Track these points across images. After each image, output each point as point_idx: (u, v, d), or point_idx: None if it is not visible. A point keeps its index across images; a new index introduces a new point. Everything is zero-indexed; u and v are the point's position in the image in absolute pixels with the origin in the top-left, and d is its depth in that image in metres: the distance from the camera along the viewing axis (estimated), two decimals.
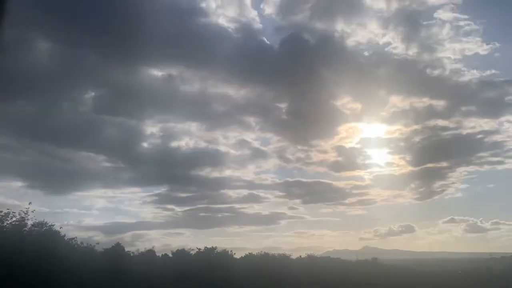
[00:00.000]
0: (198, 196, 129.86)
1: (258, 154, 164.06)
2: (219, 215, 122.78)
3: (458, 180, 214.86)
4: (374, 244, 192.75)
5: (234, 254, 48.45)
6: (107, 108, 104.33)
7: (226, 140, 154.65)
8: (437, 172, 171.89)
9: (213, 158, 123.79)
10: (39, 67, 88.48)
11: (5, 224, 24.04)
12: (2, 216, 23.90)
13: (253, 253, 51.45)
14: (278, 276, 42.03)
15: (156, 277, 35.67)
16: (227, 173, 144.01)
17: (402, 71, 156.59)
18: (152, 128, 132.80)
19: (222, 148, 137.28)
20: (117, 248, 37.22)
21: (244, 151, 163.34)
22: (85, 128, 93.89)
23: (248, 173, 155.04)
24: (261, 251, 51.63)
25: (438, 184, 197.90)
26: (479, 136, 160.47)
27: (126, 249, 38.83)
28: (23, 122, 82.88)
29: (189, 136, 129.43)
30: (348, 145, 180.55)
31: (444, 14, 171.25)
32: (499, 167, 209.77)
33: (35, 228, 26.18)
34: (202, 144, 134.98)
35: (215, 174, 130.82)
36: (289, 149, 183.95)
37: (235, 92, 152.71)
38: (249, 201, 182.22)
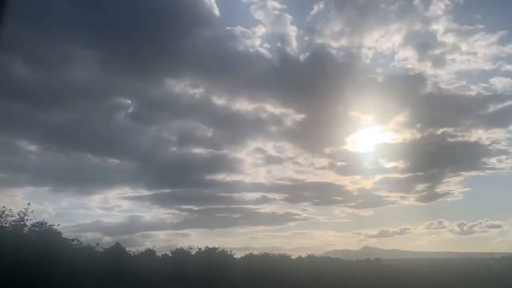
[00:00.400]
0: (214, 198, 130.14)
1: (272, 160, 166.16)
2: (234, 216, 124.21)
3: (460, 183, 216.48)
4: (374, 244, 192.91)
5: (234, 254, 48.58)
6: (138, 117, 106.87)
7: (244, 148, 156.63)
8: (441, 176, 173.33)
9: (231, 163, 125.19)
10: (81, 80, 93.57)
11: (4, 224, 24.02)
12: (1, 216, 23.88)
13: (253, 253, 51.57)
14: (278, 276, 42.03)
15: (156, 277, 35.68)
16: (242, 177, 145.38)
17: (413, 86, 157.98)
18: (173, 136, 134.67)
19: (240, 155, 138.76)
20: (117, 248, 37.23)
21: (260, 157, 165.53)
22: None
23: (261, 176, 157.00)
24: (261, 251, 51.74)
25: (441, 188, 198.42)
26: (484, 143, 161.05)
27: (129, 249, 38.94)
28: (65, 130, 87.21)
29: (209, 142, 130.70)
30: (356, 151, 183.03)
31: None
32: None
33: (35, 228, 26.17)
34: (222, 151, 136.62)
35: (231, 178, 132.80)
36: (302, 155, 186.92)
37: (255, 105, 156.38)
38: (262, 203, 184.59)
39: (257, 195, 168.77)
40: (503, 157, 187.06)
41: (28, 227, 25.42)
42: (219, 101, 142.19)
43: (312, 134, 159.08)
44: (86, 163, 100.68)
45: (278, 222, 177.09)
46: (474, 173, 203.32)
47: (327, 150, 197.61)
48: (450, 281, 52.56)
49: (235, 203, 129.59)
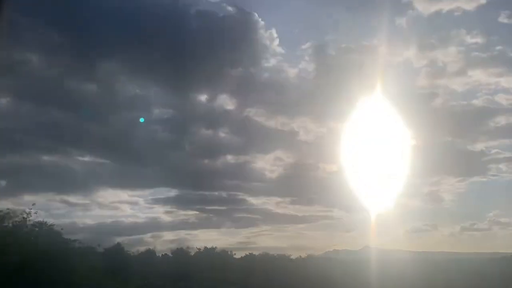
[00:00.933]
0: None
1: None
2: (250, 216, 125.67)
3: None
4: (374, 244, 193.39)
5: (234, 254, 48.70)
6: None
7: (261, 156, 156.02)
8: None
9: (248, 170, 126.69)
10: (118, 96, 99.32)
11: (5, 224, 24.08)
12: (3, 216, 23.94)
13: (253, 253, 51.68)
14: (278, 276, 42.11)
15: (156, 277, 35.76)
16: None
17: None
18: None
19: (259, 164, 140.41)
20: (117, 248, 37.32)
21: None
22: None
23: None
24: (261, 251, 51.84)
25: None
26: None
27: (128, 249, 39.00)
28: (104, 141, 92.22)
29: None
30: None
31: None
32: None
33: (35, 228, 26.20)
34: (241, 159, 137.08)
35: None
36: None
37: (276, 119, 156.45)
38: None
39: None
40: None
41: (29, 227, 25.45)
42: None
43: None
44: (120, 169, 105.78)
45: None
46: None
47: None
48: (450, 281, 52.63)
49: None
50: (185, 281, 36.59)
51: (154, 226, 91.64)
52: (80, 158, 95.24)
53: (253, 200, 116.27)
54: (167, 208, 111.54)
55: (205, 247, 45.23)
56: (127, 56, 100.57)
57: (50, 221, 27.84)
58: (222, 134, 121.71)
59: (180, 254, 44.02)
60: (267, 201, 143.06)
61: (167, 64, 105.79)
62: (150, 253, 43.28)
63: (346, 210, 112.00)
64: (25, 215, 24.67)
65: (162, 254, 45.02)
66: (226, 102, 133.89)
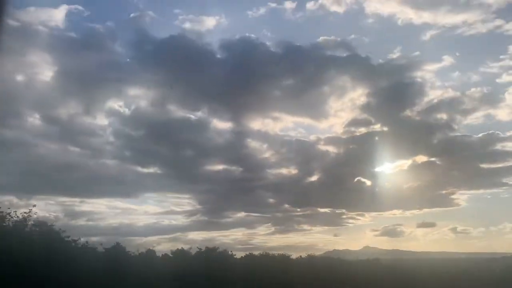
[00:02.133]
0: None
1: None
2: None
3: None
4: (374, 244, 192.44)
5: (234, 254, 48.60)
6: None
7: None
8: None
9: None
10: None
11: (6, 223, 24.10)
12: (3, 216, 23.96)
13: (253, 253, 51.62)
14: (278, 276, 42.11)
15: (156, 277, 35.73)
16: None
17: None
18: None
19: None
20: (118, 248, 37.28)
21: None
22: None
23: None
24: (261, 251, 51.75)
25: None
26: None
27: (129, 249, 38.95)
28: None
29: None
30: None
31: None
32: None
33: (36, 228, 26.22)
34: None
35: None
36: None
37: None
38: None
39: None
40: None
41: (29, 227, 25.48)
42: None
43: None
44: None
45: None
46: None
47: None
48: (450, 281, 52.64)
49: None
50: (185, 281, 36.57)
51: None
52: None
53: None
54: None
55: (206, 247, 45.15)
56: None
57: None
58: None
59: (180, 254, 43.94)
60: None
61: None
62: (150, 253, 43.16)
63: None
64: (25, 215, 24.73)
65: (162, 254, 44.89)
66: None
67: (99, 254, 34.18)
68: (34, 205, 25.73)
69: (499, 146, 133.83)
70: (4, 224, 24.08)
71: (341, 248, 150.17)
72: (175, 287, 36.02)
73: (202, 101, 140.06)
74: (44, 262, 23.23)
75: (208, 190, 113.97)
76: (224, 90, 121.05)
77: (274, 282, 40.16)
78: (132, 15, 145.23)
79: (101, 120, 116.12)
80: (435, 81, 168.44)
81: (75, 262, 26.23)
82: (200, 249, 44.85)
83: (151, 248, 43.92)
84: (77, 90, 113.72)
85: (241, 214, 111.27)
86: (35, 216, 25.48)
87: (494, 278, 55.12)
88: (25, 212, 24.82)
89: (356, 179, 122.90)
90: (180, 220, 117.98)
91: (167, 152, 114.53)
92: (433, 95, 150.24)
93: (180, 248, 45.35)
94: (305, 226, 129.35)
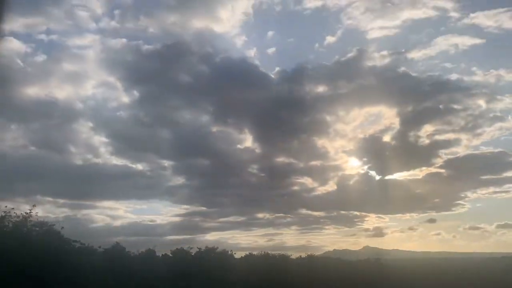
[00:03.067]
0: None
1: None
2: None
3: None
4: (374, 244, 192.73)
5: (234, 254, 48.54)
6: None
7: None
8: None
9: None
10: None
11: (6, 224, 24.06)
12: (3, 216, 23.93)
13: (253, 253, 51.54)
14: (278, 276, 42.06)
15: (156, 277, 35.70)
16: None
17: None
18: None
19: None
20: (117, 248, 37.25)
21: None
22: None
23: None
24: (261, 251, 51.64)
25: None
26: None
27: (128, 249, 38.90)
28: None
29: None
30: None
31: None
32: None
33: (36, 228, 26.17)
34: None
35: None
36: None
37: None
38: None
39: None
40: None
41: (29, 227, 25.42)
42: None
43: None
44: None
45: None
46: None
47: None
48: (450, 281, 52.63)
49: None
50: (185, 281, 36.54)
51: None
52: None
53: None
54: None
55: (206, 247, 45.06)
56: None
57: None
58: None
59: (180, 254, 43.86)
60: None
61: None
62: (150, 253, 43.10)
63: None
64: (25, 215, 24.68)
65: (162, 254, 44.81)
66: None
67: (99, 254, 34.15)
68: (34, 205, 25.66)
69: None
70: (4, 224, 24.04)
71: (341, 248, 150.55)
72: (175, 287, 35.99)
73: None
74: (44, 262, 23.20)
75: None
76: None
77: (274, 282, 40.10)
78: None
79: None
80: None
81: (75, 262, 26.19)
82: (200, 249, 44.77)
83: (151, 248, 43.89)
84: None
85: None
86: (35, 216, 25.39)
87: (494, 278, 55.07)
88: (25, 212, 24.78)
89: None
90: None
91: None
92: None
93: (180, 248, 45.30)
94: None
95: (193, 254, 44.24)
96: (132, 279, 32.68)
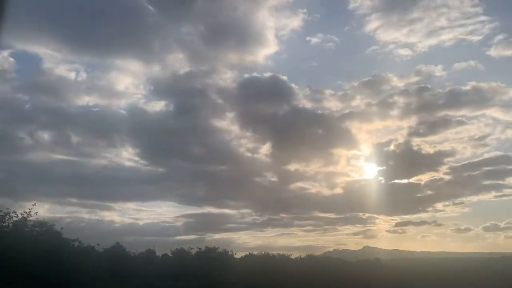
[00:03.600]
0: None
1: None
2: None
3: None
4: (374, 244, 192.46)
5: (235, 254, 48.54)
6: None
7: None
8: None
9: None
10: None
11: (6, 224, 24.03)
12: (3, 216, 23.90)
13: (253, 253, 51.55)
14: (278, 276, 42.04)
15: (156, 277, 35.71)
16: None
17: None
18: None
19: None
20: (117, 248, 37.26)
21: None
22: None
23: None
24: (261, 251, 51.67)
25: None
26: None
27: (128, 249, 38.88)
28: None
29: None
30: None
31: None
32: None
33: (36, 228, 26.14)
34: None
35: None
36: None
37: None
38: None
39: None
40: None
41: (29, 227, 25.40)
42: None
43: None
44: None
45: None
46: None
47: None
48: (450, 281, 52.56)
49: None
50: (185, 281, 36.54)
51: None
52: None
53: None
54: None
55: (206, 247, 45.06)
56: None
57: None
58: None
59: (180, 254, 43.88)
60: None
61: None
62: (150, 253, 43.13)
63: None
64: (25, 215, 24.65)
65: (162, 254, 44.86)
66: None
67: (99, 254, 34.14)
68: (34, 204, 25.60)
69: None
70: (4, 224, 24.01)
71: (341, 248, 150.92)
72: (175, 287, 35.98)
73: None
74: (44, 262, 23.18)
75: None
76: None
77: (274, 282, 40.07)
78: None
79: None
80: None
81: (75, 262, 26.17)
82: (200, 249, 44.78)
83: (151, 248, 43.91)
84: None
85: None
86: (35, 215, 25.36)
87: (494, 278, 55.01)
88: (25, 212, 24.74)
89: None
90: None
91: None
92: None
93: (180, 248, 45.33)
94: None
95: (193, 254, 44.26)
96: (132, 279, 32.67)
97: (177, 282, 36.47)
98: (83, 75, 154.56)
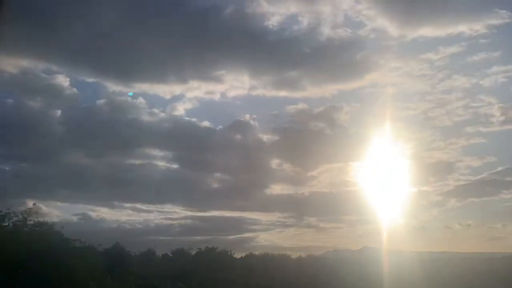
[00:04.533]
0: None
1: None
2: None
3: None
4: (374, 244, 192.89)
5: (234, 254, 48.59)
6: None
7: None
8: None
9: None
10: None
11: (6, 223, 24.05)
12: (3, 215, 23.91)
13: (253, 253, 51.62)
14: (278, 276, 42.07)
15: (156, 277, 35.70)
16: None
17: None
18: None
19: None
20: (117, 248, 37.24)
21: None
22: None
23: None
24: (261, 251, 51.75)
25: None
26: None
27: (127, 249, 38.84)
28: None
29: None
30: None
31: None
32: None
33: (36, 228, 26.13)
34: None
35: None
36: None
37: None
38: None
39: None
40: None
41: (29, 227, 25.41)
42: None
43: None
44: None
45: None
46: None
47: None
48: (450, 281, 52.59)
49: None
50: (185, 281, 36.56)
51: None
52: None
53: None
54: None
55: (206, 247, 45.10)
56: None
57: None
58: None
59: (180, 254, 43.94)
60: None
61: None
62: (150, 253, 43.14)
63: None
64: (25, 215, 24.66)
65: (162, 254, 44.88)
66: None
67: (99, 253, 34.08)
68: (34, 204, 25.62)
69: None
70: (4, 224, 24.03)
71: (341, 248, 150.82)
72: (175, 287, 35.98)
73: None
74: (44, 262, 23.18)
75: None
76: None
77: (274, 282, 40.11)
78: None
79: None
80: None
81: (75, 262, 26.15)
82: (200, 249, 44.87)
83: (151, 248, 43.90)
84: None
85: None
86: (36, 214, 25.38)
87: (494, 278, 55.02)
88: (25, 212, 24.75)
89: None
90: None
91: None
92: None
93: (180, 248, 45.37)
94: None
95: (193, 254, 44.32)
96: (132, 279, 32.66)
97: (177, 282, 36.48)
98: None
